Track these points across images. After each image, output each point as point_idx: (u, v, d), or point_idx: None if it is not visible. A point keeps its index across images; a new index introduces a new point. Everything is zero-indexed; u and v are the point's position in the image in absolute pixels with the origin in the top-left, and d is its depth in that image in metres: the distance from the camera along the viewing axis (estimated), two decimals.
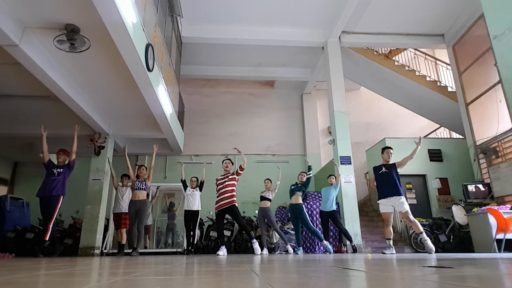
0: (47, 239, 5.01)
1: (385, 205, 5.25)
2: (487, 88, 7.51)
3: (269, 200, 6.53)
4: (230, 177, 5.60)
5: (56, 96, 5.75)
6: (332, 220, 6.58)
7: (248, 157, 10.44)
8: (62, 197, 5.29)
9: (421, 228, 5.11)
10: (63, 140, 8.43)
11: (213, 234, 7.55)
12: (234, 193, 5.59)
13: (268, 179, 6.78)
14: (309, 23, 8.42)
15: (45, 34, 4.49)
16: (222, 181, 5.64)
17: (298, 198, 6.36)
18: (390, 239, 5.32)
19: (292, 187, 6.54)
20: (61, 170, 5.41)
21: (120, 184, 6.84)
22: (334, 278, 1.50)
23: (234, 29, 8.47)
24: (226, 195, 5.50)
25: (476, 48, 7.76)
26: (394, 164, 5.35)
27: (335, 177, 6.84)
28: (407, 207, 5.11)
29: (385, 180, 5.30)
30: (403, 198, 5.15)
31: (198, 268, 2.25)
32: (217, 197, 5.58)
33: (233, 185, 5.59)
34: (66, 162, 5.55)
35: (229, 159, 5.82)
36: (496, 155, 7.10)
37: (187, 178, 6.94)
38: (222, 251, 5.32)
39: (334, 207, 6.57)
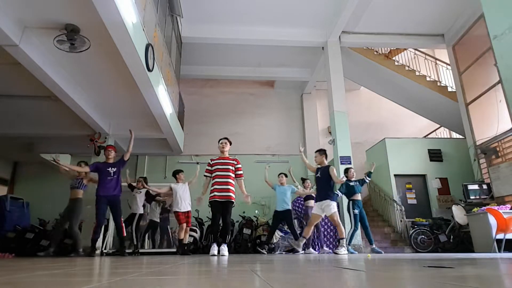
0: (125, 235, 5.42)
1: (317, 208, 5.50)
2: (487, 88, 7.51)
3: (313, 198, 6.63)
4: (231, 168, 4.68)
5: (56, 96, 5.75)
6: (286, 220, 6.47)
7: (248, 157, 10.51)
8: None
9: (344, 234, 5.44)
10: (63, 140, 8.47)
11: None
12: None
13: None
14: (309, 23, 8.42)
15: (45, 34, 4.49)
16: (223, 166, 4.65)
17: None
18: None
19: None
20: (115, 169, 5.41)
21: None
22: (334, 278, 1.50)
23: (234, 29, 8.48)
24: (229, 187, 4.57)
25: (476, 48, 7.77)
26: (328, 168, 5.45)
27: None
28: (334, 210, 5.30)
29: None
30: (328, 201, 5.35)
31: (198, 268, 2.25)
32: (217, 185, 4.56)
33: (233, 178, 4.71)
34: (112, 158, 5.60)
35: (226, 138, 4.88)
36: (496, 155, 7.10)
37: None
38: (216, 250, 4.46)
39: (290, 206, 6.51)
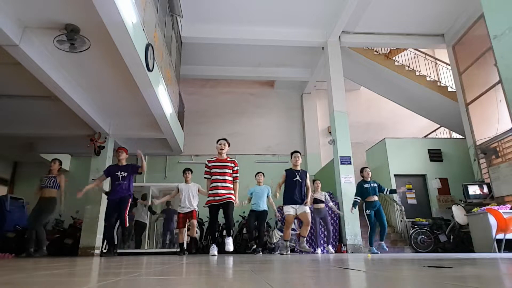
0: (127, 225, 5.17)
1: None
2: (487, 88, 7.51)
3: (322, 201, 6.73)
4: (228, 171, 4.55)
5: (56, 96, 5.75)
6: (262, 220, 6.41)
7: (248, 157, 10.54)
8: (130, 197, 5.32)
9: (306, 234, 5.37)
10: (63, 140, 8.46)
11: None
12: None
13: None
14: (309, 23, 8.42)
15: (45, 34, 4.49)
16: (221, 170, 4.50)
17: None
18: (287, 240, 5.43)
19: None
20: (125, 174, 5.27)
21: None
22: (334, 278, 1.50)
23: (234, 29, 8.48)
24: (228, 190, 4.48)
25: (476, 48, 7.76)
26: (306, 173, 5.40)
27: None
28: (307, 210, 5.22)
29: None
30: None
31: (198, 268, 2.26)
32: (216, 189, 4.43)
33: (231, 181, 4.61)
34: (125, 162, 5.48)
35: (225, 139, 4.70)
36: (496, 155, 7.10)
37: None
38: (216, 250, 4.49)
39: (266, 208, 6.44)
